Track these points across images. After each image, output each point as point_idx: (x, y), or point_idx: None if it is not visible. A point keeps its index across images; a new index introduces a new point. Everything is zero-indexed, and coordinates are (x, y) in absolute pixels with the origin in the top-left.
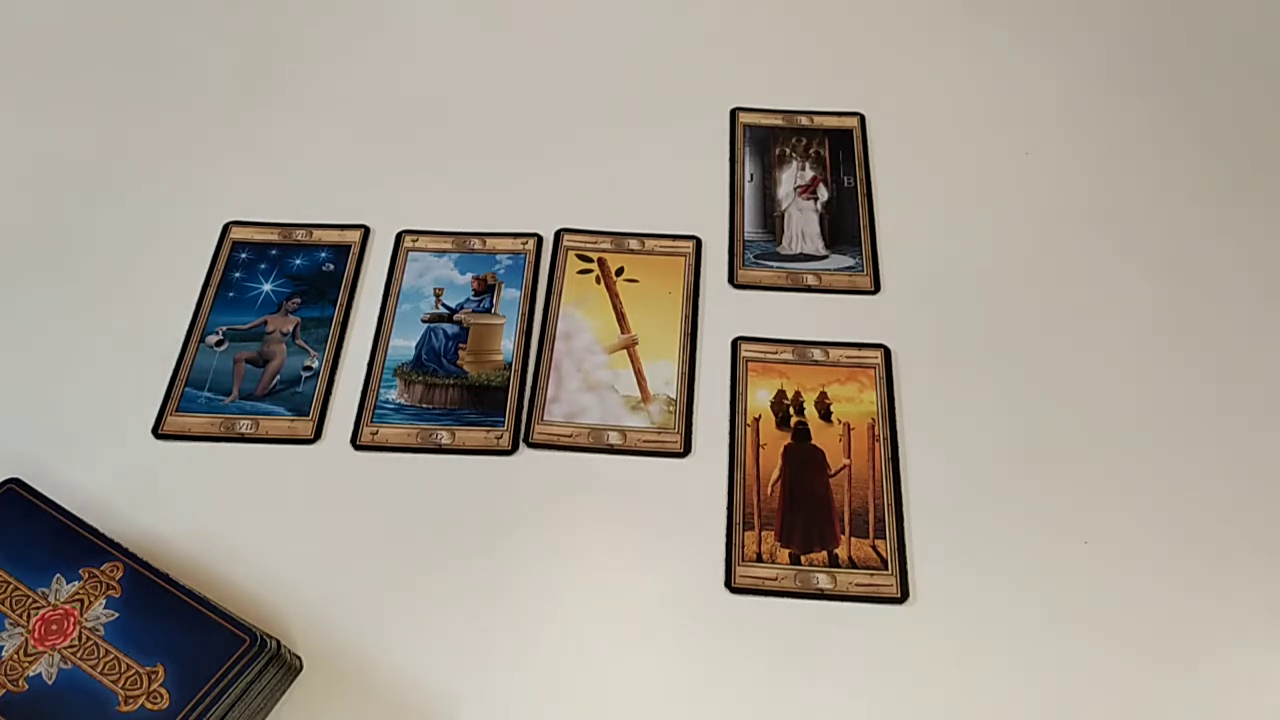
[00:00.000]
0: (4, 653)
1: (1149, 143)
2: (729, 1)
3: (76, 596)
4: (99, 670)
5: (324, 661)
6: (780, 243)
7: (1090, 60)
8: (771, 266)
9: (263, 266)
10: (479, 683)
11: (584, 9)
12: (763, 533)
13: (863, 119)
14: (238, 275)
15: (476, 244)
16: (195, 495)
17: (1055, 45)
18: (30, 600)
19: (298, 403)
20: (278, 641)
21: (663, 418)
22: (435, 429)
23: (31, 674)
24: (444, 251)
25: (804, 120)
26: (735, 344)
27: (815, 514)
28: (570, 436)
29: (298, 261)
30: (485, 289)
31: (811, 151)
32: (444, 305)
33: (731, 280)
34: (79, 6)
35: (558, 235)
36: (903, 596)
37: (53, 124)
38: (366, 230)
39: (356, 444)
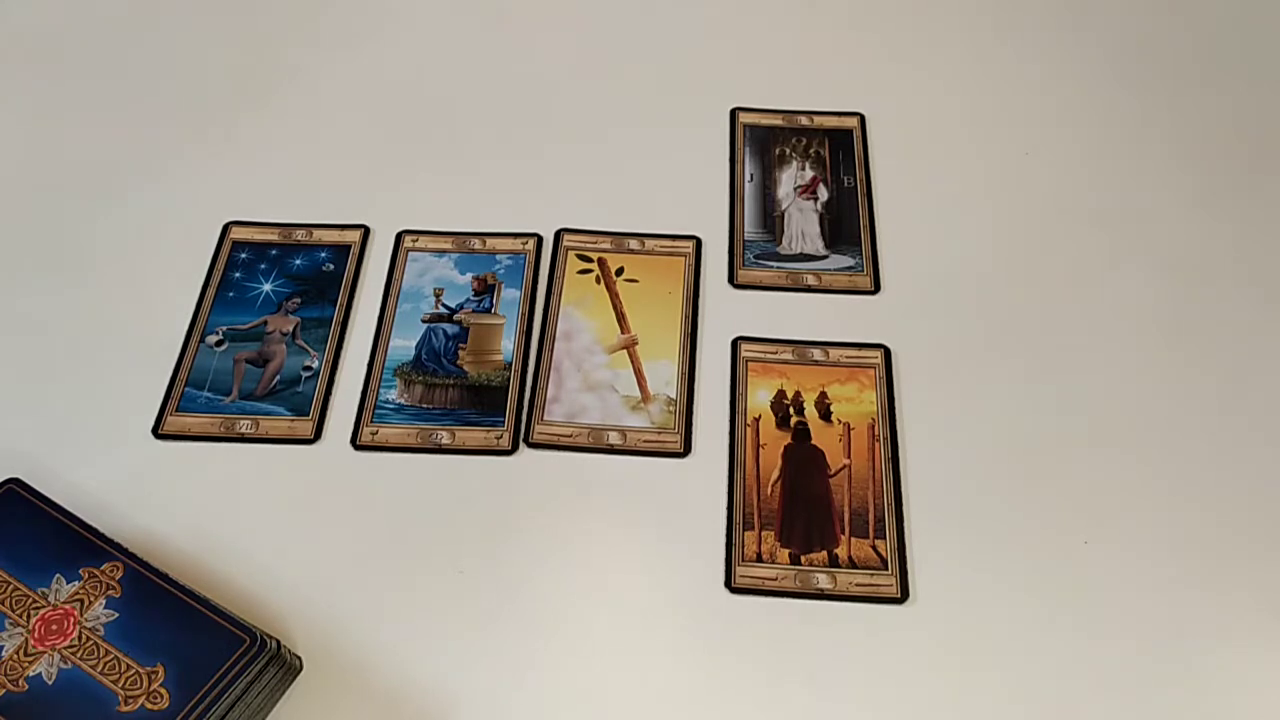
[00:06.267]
0: (4, 653)
1: (1149, 143)
2: (729, 1)
3: (76, 596)
4: (99, 670)
5: (324, 661)
6: (780, 243)
7: (1090, 61)
8: (771, 266)
9: (263, 266)
10: (479, 683)
11: (584, 9)
12: (763, 533)
13: (863, 119)
14: (238, 275)
15: (476, 244)
16: (195, 495)
17: (1055, 45)
18: (30, 600)
19: (298, 403)
20: (278, 641)
21: (663, 418)
22: (435, 429)
23: (31, 674)
24: (444, 251)
25: (804, 120)
26: (735, 344)
27: (815, 514)
28: (570, 436)
29: (298, 261)
30: (485, 289)
31: (811, 151)
32: (444, 305)
33: (731, 280)
34: (79, 7)
35: (558, 235)
36: (903, 596)
37: (53, 124)
38: (366, 230)
39: (356, 444)
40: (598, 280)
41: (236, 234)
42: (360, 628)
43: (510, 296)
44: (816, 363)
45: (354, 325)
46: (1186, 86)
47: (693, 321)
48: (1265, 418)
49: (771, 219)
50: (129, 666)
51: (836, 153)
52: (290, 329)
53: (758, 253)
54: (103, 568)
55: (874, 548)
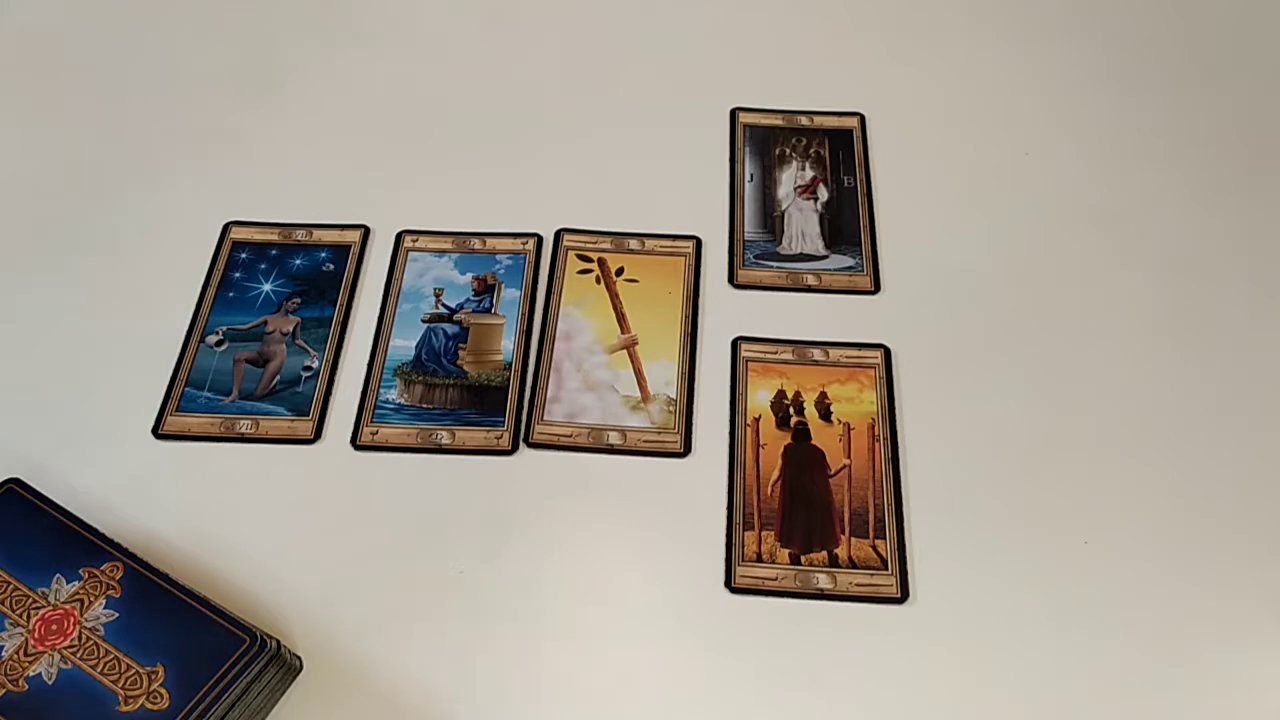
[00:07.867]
0: (4, 653)
1: (1149, 142)
2: (729, 1)
3: (76, 596)
4: (99, 670)
5: (324, 661)
6: (780, 243)
7: (1090, 60)
8: (771, 266)
9: (263, 266)
10: (479, 683)
11: (584, 9)
12: (763, 533)
13: (863, 119)
14: (238, 275)
15: (476, 244)
16: (195, 495)
17: (1055, 45)
18: (30, 600)
19: (298, 403)
20: (278, 641)
21: (663, 418)
22: (435, 429)
23: (31, 674)
24: (444, 251)
25: (804, 120)
26: (735, 344)
27: (815, 514)
28: (570, 436)
29: (298, 261)
30: (485, 289)
31: (811, 151)
32: (444, 305)
33: (731, 280)
34: (79, 7)
35: (558, 235)
36: (903, 596)
37: (53, 124)
38: (366, 230)
39: (356, 444)
40: (598, 280)
41: (236, 234)
42: (360, 628)
43: (510, 296)
44: (816, 363)
45: (354, 325)
46: (1186, 86)
47: (693, 321)
48: (1265, 417)
49: (771, 219)
50: (129, 666)
51: (836, 153)
52: (290, 329)
53: (758, 253)
54: (103, 568)
55: (874, 548)
